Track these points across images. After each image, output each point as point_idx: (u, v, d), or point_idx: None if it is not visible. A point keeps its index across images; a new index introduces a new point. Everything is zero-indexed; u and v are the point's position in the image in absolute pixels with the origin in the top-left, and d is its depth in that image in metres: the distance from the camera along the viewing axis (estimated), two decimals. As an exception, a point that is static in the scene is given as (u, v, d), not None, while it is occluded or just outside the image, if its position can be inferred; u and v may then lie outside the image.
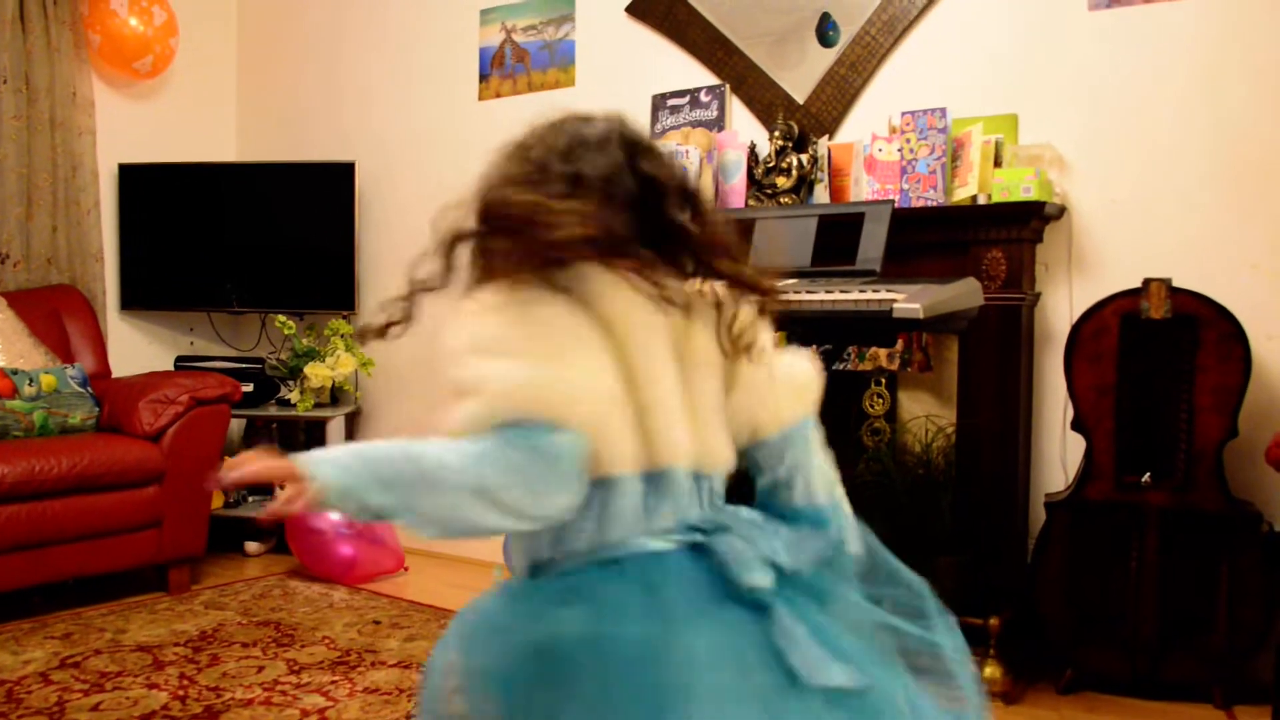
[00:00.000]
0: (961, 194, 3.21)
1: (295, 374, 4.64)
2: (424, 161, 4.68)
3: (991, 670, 2.91)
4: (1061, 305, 3.22)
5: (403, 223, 4.73)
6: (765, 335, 1.41)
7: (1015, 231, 3.10)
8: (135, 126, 4.92)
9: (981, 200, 3.16)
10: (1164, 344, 2.89)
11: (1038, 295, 3.24)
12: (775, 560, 1.30)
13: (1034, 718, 2.79)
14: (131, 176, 4.84)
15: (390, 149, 4.80)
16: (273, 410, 4.68)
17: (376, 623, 3.54)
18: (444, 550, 4.55)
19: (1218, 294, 2.86)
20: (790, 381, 1.44)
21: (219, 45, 5.28)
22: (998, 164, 3.21)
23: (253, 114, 5.34)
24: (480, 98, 4.51)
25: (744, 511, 1.40)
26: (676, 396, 1.32)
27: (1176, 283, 2.87)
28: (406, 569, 4.26)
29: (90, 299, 4.60)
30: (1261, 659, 2.79)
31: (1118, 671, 2.91)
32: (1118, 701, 2.88)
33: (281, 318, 4.67)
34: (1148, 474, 2.88)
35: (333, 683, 2.98)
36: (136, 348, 4.91)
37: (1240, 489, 2.89)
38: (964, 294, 2.75)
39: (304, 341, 4.68)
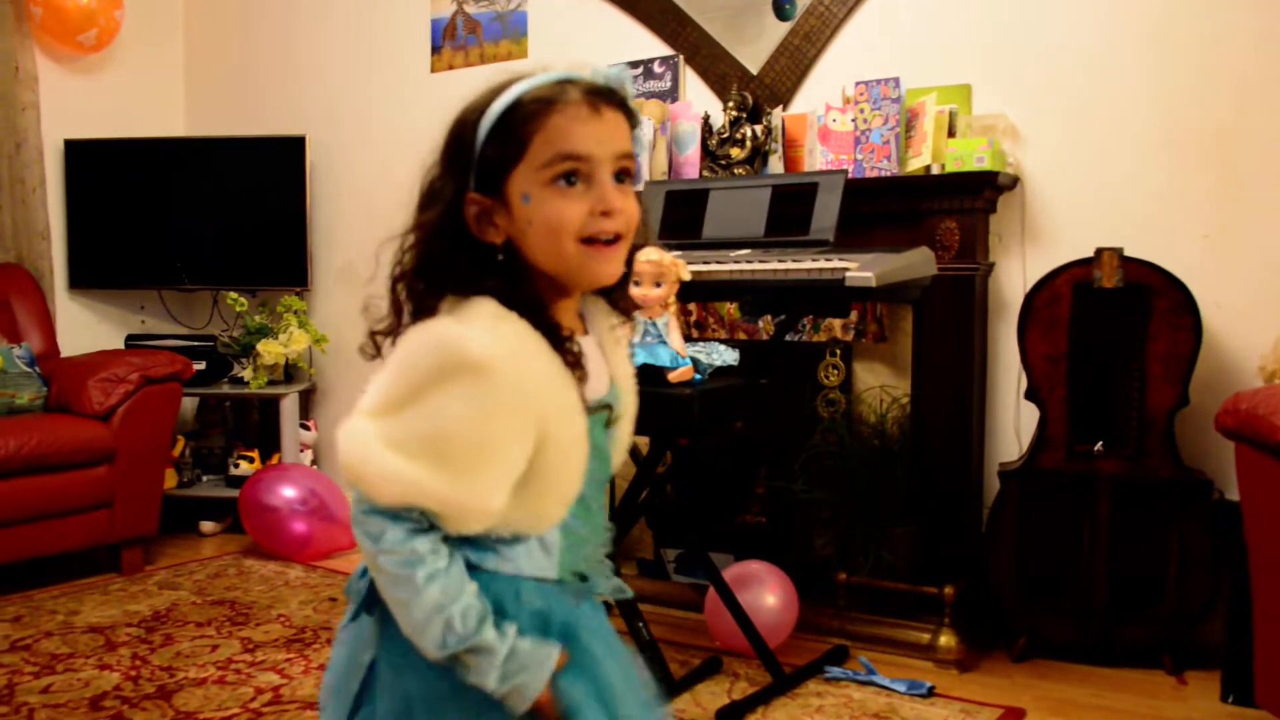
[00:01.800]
0: (915, 164, 3.21)
1: (248, 351, 4.59)
2: (377, 135, 4.62)
3: (946, 639, 2.93)
4: (1015, 275, 3.23)
5: (355, 197, 4.68)
6: None
7: (969, 201, 3.11)
8: (81, 101, 4.82)
9: (935, 170, 3.16)
10: (1116, 313, 2.91)
11: (991, 265, 3.25)
12: None
13: (988, 685, 2.81)
14: (78, 152, 4.75)
15: (342, 122, 4.74)
16: (225, 388, 4.62)
17: (332, 600, 3.52)
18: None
19: (1169, 263, 2.87)
20: None
21: (165, 17, 5.18)
22: (951, 134, 3.21)
23: (201, 87, 5.25)
24: (433, 70, 4.46)
25: None
26: None
27: (1128, 252, 2.88)
28: (363, 546, 4.22)
29: (37, 277, 4.51)
30: (1211, 624, 2.83)
31: (1070, 638, 2.94)
32: (1071, 668, 2.90)
33: (233, 295, 4.61)
34: (1100, 443, 2.90)
35: (287, 660, 2.96)
36: (86, 327, 4.83)
37: (1191, 457, 2.92)
38: (917, 263, 2.75)
39: (256, 318, 4.63)
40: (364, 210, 4.66)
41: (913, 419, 3.17)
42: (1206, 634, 2.84)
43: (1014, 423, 3.24)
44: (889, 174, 3.21)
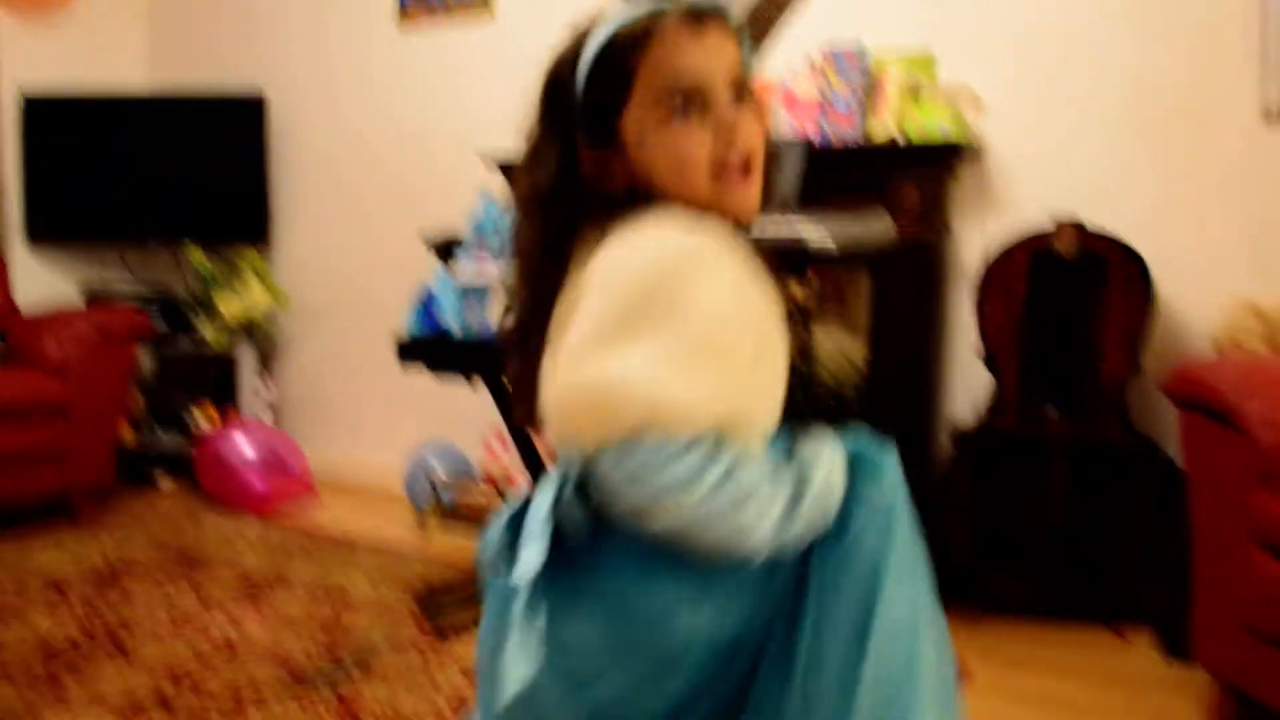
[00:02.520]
0: (878, 132, 3.22)
1: (207, 307, 4.56)
2: (342, 92, 4.59)
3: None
4: (973, 243, 3.26)
5: (318, 153, 4.66)
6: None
7: (931, 170, 3.14)
8: (40, 54, 4.75)
9: (898, 138, 3.18)
10: (1072, 283, 2.94)
11: (951, 232, 3.28)
12: None
13: (937, 645, 2.85)
14: (37, 107, 4.68)
15: (307, 78, 4.69)
16: (184, 344, 4.60)
17: (288, 553, 3.52)
18: (355, 480, 4.54)
19: (1126, 235, 2.91)
20: None
21: (128, -32, 5.12)
22: (916, 101, 3.23)
23: (163, 41, 5.19)
24: (400, 27, 4.43)
25: None
26: None
27: (1085, 220, 2.92)
28: (319, 499, 4.23)
29: (-7, 229, 4.47)
30: (1156, 585, 2.88)
31: (1022, 597, 2.99)
32: (1022, 626, 2.95)
33: (193, 251, 4.58)
34: (1053, 407, 2.95)
35: (241, 611, 2.96)
36: (44, 282, 4.77)
37: (1142, 423, 2.97)
38: (875, 227, 2.78)
39: (217, 275, 4.59)
40: (327, 165, 4.64)
41: (869, 382, 3.20)
42: (1152, 594, 2.90)
43: (970, 388, 3.28)
44: (853, 142, 3.23)
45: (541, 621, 1.07)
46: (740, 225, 1.14)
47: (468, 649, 2.70)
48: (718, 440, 1.00)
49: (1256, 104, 2.95)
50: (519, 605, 1.09)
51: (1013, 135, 3.23)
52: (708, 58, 1.10)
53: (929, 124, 3.10)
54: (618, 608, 1.06)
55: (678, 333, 0.99)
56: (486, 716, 1.16)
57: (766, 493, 1.02)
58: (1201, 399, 2.31)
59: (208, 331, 4.53)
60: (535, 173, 1.15)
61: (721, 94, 1.11)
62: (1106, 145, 3.11)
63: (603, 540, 1.07)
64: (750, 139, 1.13)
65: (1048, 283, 2.96)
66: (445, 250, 3.07)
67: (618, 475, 1.00)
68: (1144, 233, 2.96)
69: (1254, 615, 2.17)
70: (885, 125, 3.20)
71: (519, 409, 1.20)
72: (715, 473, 0.99)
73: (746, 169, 1.13)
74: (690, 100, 1.10)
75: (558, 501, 1.08)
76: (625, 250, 1.04)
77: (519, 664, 1.07)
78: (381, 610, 2.98)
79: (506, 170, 3.86)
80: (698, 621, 1.05)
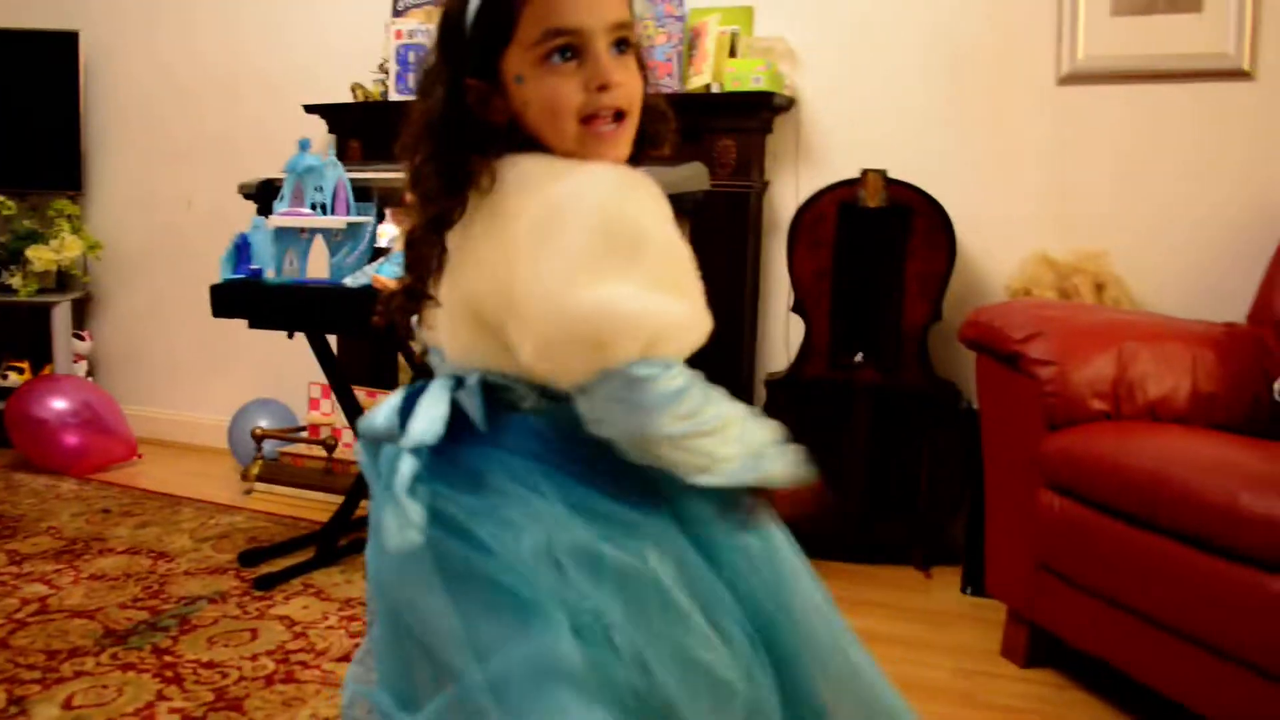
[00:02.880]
0: (696, 82, 3.28)
1: (16, 257, 4.38)
2: (160, 33, 4.42)
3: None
4: (788, 194, 3.36)
5: (134, 96, 4.49)
6: None
7: (746, 121, 3.21)
8: None
9: (715, 89, 3.25)
10: (878, 232, 3.06)
11: (766, 184, 3.37)
12: None
13: (752, 581, 2.96)
14: None
15: (123, 17, 4.49)
16: (-8, 296, 4.42)
17: (106, 511, 3.44)
18: (178, 437, 4.46)
19: (930, 186, 3.04)
20: None
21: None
22: (732, 55, 3.30)
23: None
24: (216, -31, 4.30)
25: None
26: None
27: (896, 174, 3.04)
28: (140, 457, 4.13)
29: None
30: (956, 524, 3.05)
31: (830, 537, 3.12)
32: (829, 565, 3.08)
33: (0, 198, 4.39)
34: (860, 354, 3.07)
35: (56, 571, 2.89)
36: None
37: (943, 369, 3.12)
38: (690, 177, 2.83)
39: (25, 223, 4.41)
40: (145, 112, 4.48)
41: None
42: (952, 533, 3.07)
43: (784, 335, 3.39)
44: (670, 91, 3.28)
45: (422, 489, 1.12)
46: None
47: (290, 601, 2.71)
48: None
49: (1052, 65, 3.10)
50: (402, 477, 1.13)
51: (826, 88, 3.33)
52: (590, 5, 1.12)
53: (744, 76, 3.17)
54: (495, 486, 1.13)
55: (651, 261, 1.05)
56: (372, 582, 1.22)
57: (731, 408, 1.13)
58: (991, 342, 2.45)
59: (17, 283, 4.35)
60: (427, 100, 1.18)
61: (600, 42, 1.13)
62: (913, 100, 3.24)
63: (496, 429, 1.14)
64: (625, 91, 1.15)
65: (856, 233, 3.07)
66: (261, 197, 3.02)
67: (618, 400, 1.06)
68: (947, 185, 3.09)
69: (1040, 550, 2.33)
70: (702, 76, 3.27)
71: (416, 317, 1.25)
72: (701, 396, 1.09)
73: (618, 119, 1.16)
74: (568, 46, 1.12)
75: (458, 387, 1.15)
76: (567, 186, 1.08)
77: (401, 530, 1.11)
78: (203, 567, 2.95)
79: (327, 114, 3.81)
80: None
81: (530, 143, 1.16)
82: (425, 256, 1.18)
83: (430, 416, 1.14)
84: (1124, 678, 2.17)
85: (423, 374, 1.27)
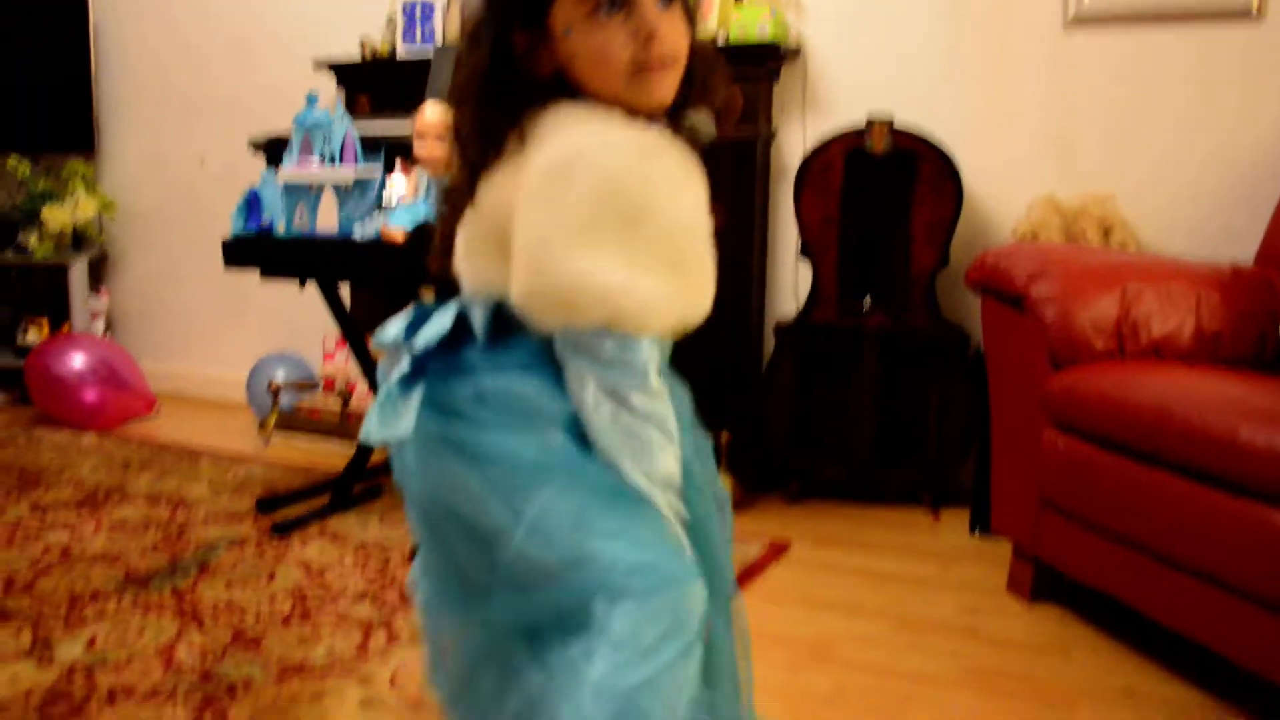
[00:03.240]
0: (702, 33, 3.28)
1: (32, 218, 4.43)
2: (165, -7, 4.46)
3: (721, 481, 3.10)
4: (795, 141, 3.37)
5: (145, 56, 4.51)
6: None
7: (752, 70, 3.22)
8: None
9: (720, 37, 3.25)
10: (885, 179, 3.08)
11: (774, 132, 3.38)
12: None
13: (762, 521, 3.01)
14: None
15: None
16: (10, 257, 4.46)
17: (126, 464, 3.50)
18: (196, 392, 4.51)
19: (937, 132, 3.05)
20: None
21: None
22: (737, 2, 3.30)
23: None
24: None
25: None
26: None
27: (902, 120, 3.05)
28: (158, 411, 4.19)
29: None
30: (964, 466, 3.08)
31: (839, 480, 3.16)
32: (838, 507, 3.13)
33: (14, 159, 4.42)
34: (868, 300, 3.09)
35: (79, 519, 2.95)
36: None
37: (951, 314, 3.13)
38: (696, 124, 2.83)
39: (40, 184, 4.46)
40: (155, 72, 4.51)
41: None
42: (960, 475, 3.10)
43: (793, 283, 3.41)
44: (677, 41, 3.27)
45: (422, 386, 1.17)
46: (647, 116, 1.18)
47: (306, 545, 2.76)
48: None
49: (1059, 8, 3.09)
50: (399, 370, 1.19)
51: (831, 37, 3.33)
52: None
53: (750, 25, 3.17)
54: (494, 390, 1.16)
55: (646, 238, 1.06)
56: (408, 501, 1.24)
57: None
58: (997, 285, 2.47)
59: (33, 243, 4.40)
60: (473, 53, 1.18)
61: None
62: (919, 47, 3.24)
63: (499, 344, 1.17)
64: (672, 43, 1.15)
65: (862, 180, 3.09)
66: (271, 151, 3.05)
67: (575, 358, 1.10)
68: (953, 132, 3.10)
69: (1045, 487, 2.35)
70: (708, 26, 3.27)
71: (438, 261, 1.27)
72: (654, 376, 1.10)
73: (663, 66, 1.16)
74: None
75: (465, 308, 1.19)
76: (586, 144, 1.09)
77: (389, 422, 1.18)
78: (221, 515, 3.01)
79: (336, 70, 3.83)
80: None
81: (576, 95, 1.16)
82: (461, 205, 1.21)
83: (437, 325, 1.18)
84: (1127, 611, 2.20)
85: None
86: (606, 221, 1.06)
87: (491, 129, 1.16)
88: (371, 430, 1.18)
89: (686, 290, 1.10)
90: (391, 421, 1.17)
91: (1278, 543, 1.80)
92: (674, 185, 1.10)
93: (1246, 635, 1.90)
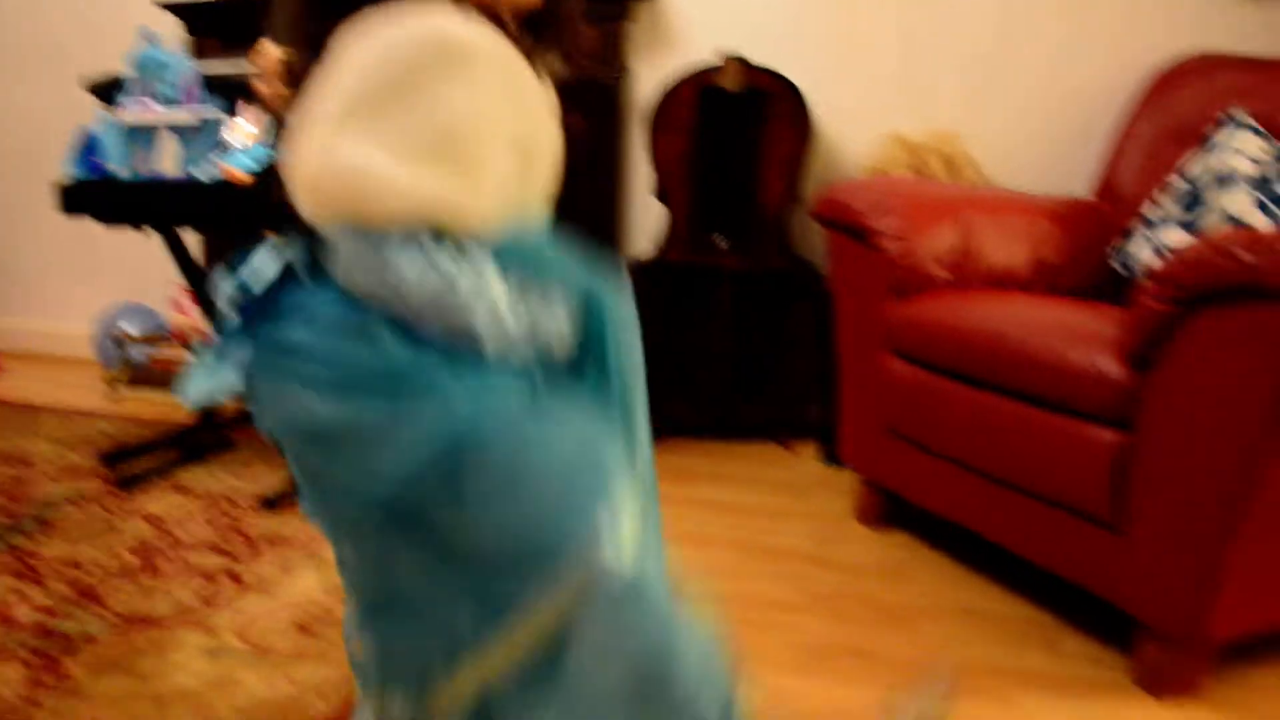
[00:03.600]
0: (553, -30, 3.25)
1: None
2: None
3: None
4: (651, 82, 3.36)
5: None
6: None
7: (607, 9, 3.20)
8: None
9: (572, -24, 3.22)
10: (738, 117, 3.09)
11: (627, 71, 3.36)
12: None
13: (621, 464, 3.02)
14: None
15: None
16: None
17: (-36, 423, 3.38)
18: (41, 348, 4.35)
19: (788, 70, 3.07)
20: None
21: None
22: (589, -59, 3.26)
23: None
24: None
25: None
26: None
27: (756, 60, 3.06)
28: (2, 369, 4.04)
29: None
30: (816, 400, 3.13)
31: (696, 419, 3.19)
32: (696, 444, 3.16)
33: None
34: (721, 237, 3.11)
35: (-90, 481, 2.84)
36: None
37: (803, 250, 3.17)
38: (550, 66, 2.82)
39: None
40: None
41: (553, 218, 3.28)
42: (810, 410, 3.15)
43: (650, 222, 3.41)
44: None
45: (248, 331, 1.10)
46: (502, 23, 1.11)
47: (152, 499, 2.69)
48: (442, 234, 1.02)
49: (904, -57, 3.13)
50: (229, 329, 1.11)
51: (685, -26, 3.33)
52: None
53: (602, -38, 3.15)
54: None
55: (422, 126, 1.00)
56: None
57: (492, 288, 1.05)
58: (842, 219, 2.50)
59: None
60: None
61: None
62: (771, -16, 3.25)
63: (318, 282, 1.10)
64: None
65: (715, 117, 3.10)
66: (106, 93, 2.93)
67: (348, 254, 1.03)
68: (805, 69, 3.13)
69: (887, 416, 2.41)
70: (560, -36, 3.23)
71: (278, 196, 1.18)
72: (424, 263, 1.01)
73: None
74: None
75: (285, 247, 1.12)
76: (391, 31, 1.02)
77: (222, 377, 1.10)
78: (65, 470, 2.91)
79: (180, 12, 3.70)
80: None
81: None
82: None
83: (263, 268, 1.11)
84: (968, 535, 2.28)
85: None
86: (390, 102, 1.00)
87: (311, 39, 1.09)
88: (188, 390, 1.10)
89: (467, 190, 1.03)
90: (209, 380, 1.09)
91: (1103, 460, 1.87)
92: (482, 81, 1.04)
93: (1077, 551, 1.97)
